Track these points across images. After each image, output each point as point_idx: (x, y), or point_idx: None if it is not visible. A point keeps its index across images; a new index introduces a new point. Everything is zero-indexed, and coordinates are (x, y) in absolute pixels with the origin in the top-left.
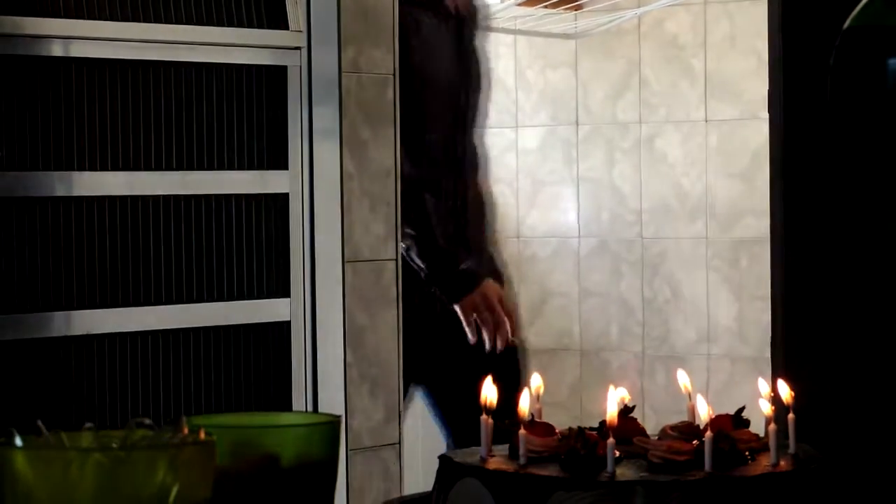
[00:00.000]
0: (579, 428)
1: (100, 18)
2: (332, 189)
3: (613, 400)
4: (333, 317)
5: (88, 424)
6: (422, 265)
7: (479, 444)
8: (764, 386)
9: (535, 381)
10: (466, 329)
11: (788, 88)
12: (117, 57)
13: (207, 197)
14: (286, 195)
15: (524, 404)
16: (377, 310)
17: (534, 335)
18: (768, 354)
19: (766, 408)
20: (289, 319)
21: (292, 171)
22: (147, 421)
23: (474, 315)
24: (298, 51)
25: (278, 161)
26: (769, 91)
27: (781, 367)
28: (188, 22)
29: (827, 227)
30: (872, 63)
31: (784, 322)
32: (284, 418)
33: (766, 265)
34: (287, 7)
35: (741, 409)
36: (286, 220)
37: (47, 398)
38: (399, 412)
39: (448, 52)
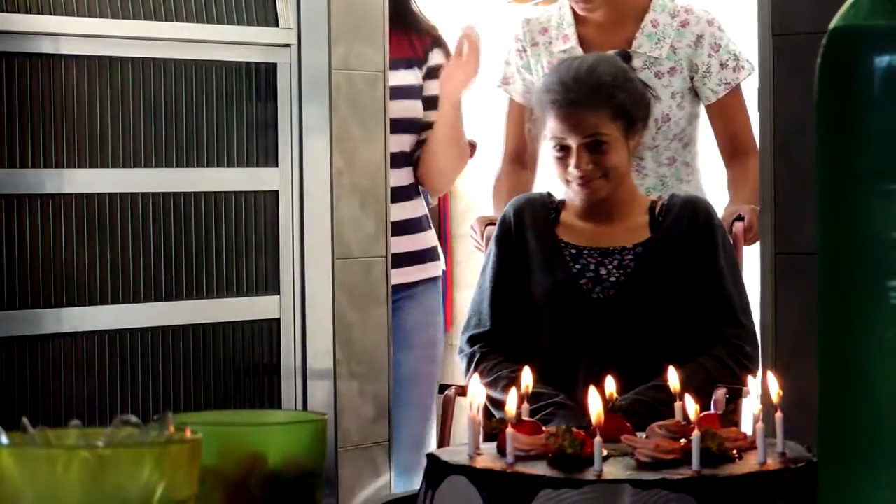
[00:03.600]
0: (566, 426)
1: (90, 15)
2: (322, 186)
3: (596, 398)
4: (323, 314)
5: (75, 422)
6: None
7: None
8: (752, 384)
9: (526, 378)
10: None
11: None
12: (106, 54)
13: (197, 194)
14: (276, 192)
15: (511, 403)
16: (367, 307)
17: None
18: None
19: (754, 406)
20: (278, 317)
21: (282, 168)
22: (133, 419)
23: None
24: (289, 48)
25: (268, 158)
26: (759, 87)
27: (770, 365)
28: (178, 19)
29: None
30: (859, 63)
31: (774, 320)
32: (271, 417)
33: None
34: (277, 4)
35: (729, 408)
36: (276, 217)
37: (34, 395)
38: (389, 410)
39: None
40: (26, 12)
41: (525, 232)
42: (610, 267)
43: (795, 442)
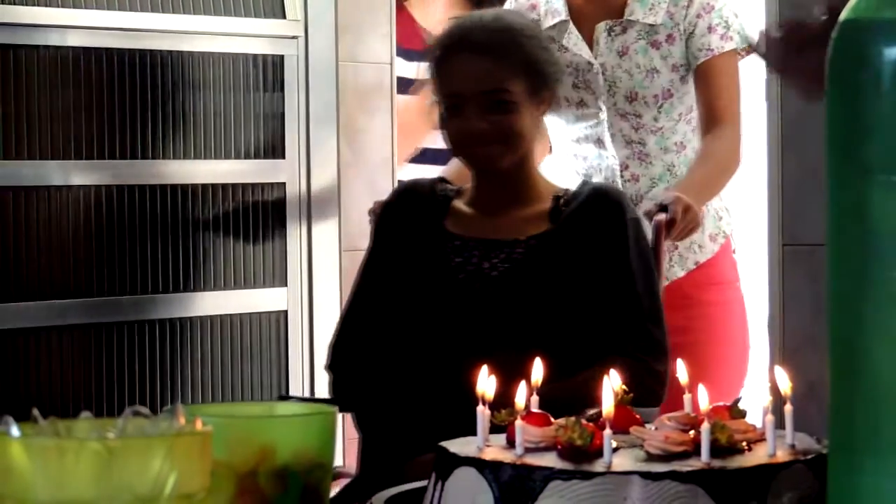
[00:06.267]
0: (576, 418)
1: (97, 8)
2: (330, 177)
3: (609, 390)
4: (330, 306)
5: (85, 413)
6: None
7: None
8: (761, 376)
9: (537, 372)
10: None
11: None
12: (114, 46)
13: (205, 185)
14: (283, 184)
15: (521, 395)
16: None
17: None
18: (766, 344)
19: (764, 398)
20: (286, 308)
21: (290, 160)
22: (144, 410)
23: None
24: (296, 40)
25: (276, 150)
26: (766, 76)
27: (778, 356)
28: (185, 11)
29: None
30: (869, 54)
31: (782, 311)
32: (279, 409)
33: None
34: None
35: (738, 400)
36: (283, 208)
37: (43, 387)
38: None
39: None
40: (34, 5)
41: (405, 220)
42: (495, 261)
43: (805, 433)
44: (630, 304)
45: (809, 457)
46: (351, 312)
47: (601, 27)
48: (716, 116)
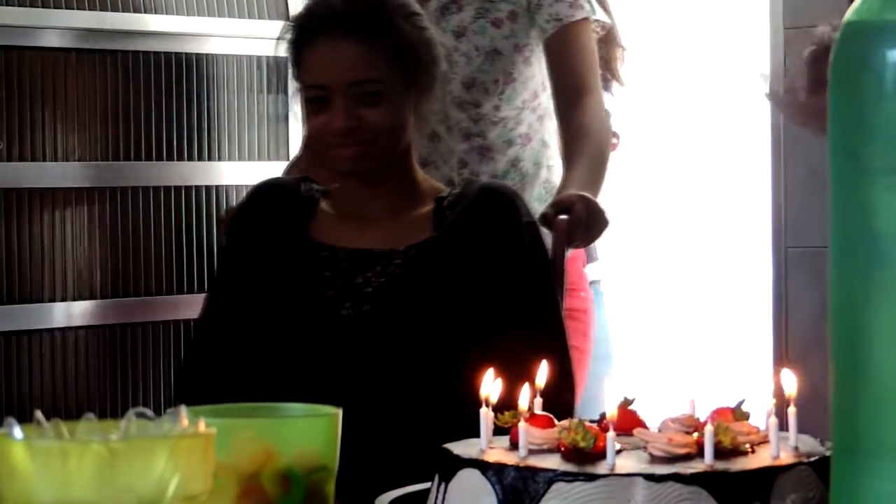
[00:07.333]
0: (579, 420)
1: (98, 9)
2: None
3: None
4: None
5: (89, 415)
6: None
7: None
8: (765, 378)
9: (542, 376)
10: None
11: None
12: (115, 48)
13: (209, 187)
14: None
15: (524, 397)
16: None
17: None
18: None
19: (767, 401)
20: None
21: None
22: (147, 412)
23: None
24: None
25: (279, 152)
26: (770, 80)
27: (783, 358)
28: (190, 13)
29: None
30: (872, 57)
31: (786, 314)
32: (283, 411)
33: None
34: None
35: (742, 402)
36: None
37: (46, 389)
38: None
39: None
40: (34, 7)
41: (262, 227)
42: (369, 275)
43: (809, 435)
44: (526, 325)
45: (813, 459)
46: (200, 335)
47: (433, 6)
48: (574, 89)
